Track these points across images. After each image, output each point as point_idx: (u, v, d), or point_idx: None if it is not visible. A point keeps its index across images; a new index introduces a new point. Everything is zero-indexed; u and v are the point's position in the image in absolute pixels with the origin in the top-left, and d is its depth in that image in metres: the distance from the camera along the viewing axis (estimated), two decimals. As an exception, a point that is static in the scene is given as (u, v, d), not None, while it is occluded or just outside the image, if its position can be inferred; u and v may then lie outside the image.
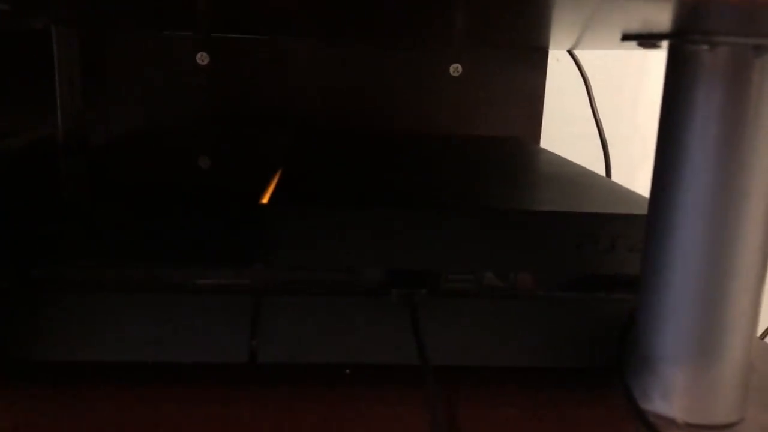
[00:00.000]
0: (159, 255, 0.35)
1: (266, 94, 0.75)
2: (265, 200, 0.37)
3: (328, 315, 0.34)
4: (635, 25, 0.30)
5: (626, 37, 0.32)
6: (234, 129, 0.73)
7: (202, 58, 0.73)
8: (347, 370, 0.35)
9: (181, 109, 0.73)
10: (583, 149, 0.90)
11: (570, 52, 0.80)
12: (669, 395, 0.31)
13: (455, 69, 0.77)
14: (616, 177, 0.83)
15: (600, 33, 0.38)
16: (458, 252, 0.35)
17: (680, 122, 0.30)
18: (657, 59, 0.95)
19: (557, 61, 0.88)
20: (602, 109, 0.84)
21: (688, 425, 0.31)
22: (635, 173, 0.94)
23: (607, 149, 0.78)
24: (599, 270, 0.36)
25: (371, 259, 0.35)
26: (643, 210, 0.36)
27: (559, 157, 0.58)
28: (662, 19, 0.26)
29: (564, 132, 0.90)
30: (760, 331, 0.99)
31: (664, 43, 0.31)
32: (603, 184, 0.45)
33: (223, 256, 0.35)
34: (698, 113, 0.29)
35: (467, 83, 0.77)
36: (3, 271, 0.34)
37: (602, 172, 0.82)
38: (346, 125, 0.76)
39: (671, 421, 0.31)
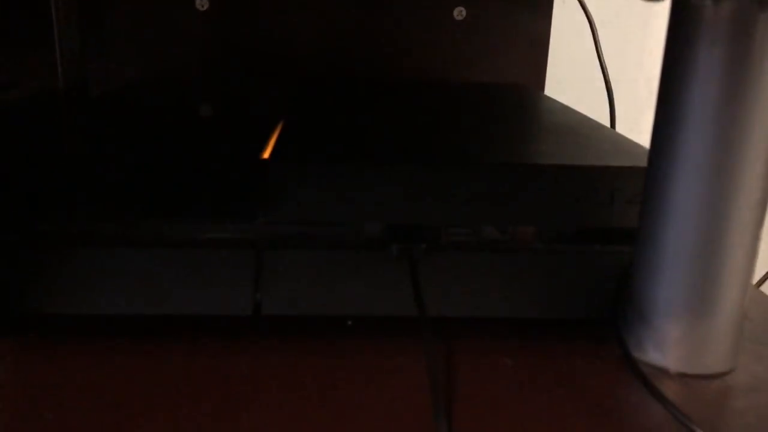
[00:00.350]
0: (163, 209, 0.35)
1: (267, 40, 0.74)
2: (266, 155, 0.38)
3: (329, 268, 0.35)
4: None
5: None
6: (235, 76, 0.73)
7: (202, 4, 0.72)
8: (349, 322, 0.35)
9: (181, 56, 0.73)
10: (588, 93, 0.89)
11: (576, -6, 0.78)
12: (662, 346, 0.32)
13: (459, 12, 0.75)
14: (621, 122, 0.82)
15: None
16: (457, 206, 0.35)
17: (681, 77, 0.29)
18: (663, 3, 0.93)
19: (563, 2, 0.87)
20: (608, 53, 0.82)
21: (681, 375, 0.32)
22: (640, 116, 0.93)
23: (612, 94, 0.77)
24: (597, 222, 0.36)
25: (372, 214, 0.35)
26: (641, 162, 0.37)
27: (563, 105, 0.57)
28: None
29: (569, 76, 0.89)
30: (755, 280, 1.00)
31: (668, -4, 0.30)
32: (605, 135, 0.44)
33: (227, 211, 0.35)
34: (700, 68, 0.29)
35: (471, 27, 0.76)
36: (9, 225, 0.35)
37: (606, 116, 0.81)
38: (348, 71, 0.76)
39: (664, 371, 0.32)
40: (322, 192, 0.34)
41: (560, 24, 0.87)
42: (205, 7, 0.72)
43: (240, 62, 0.74)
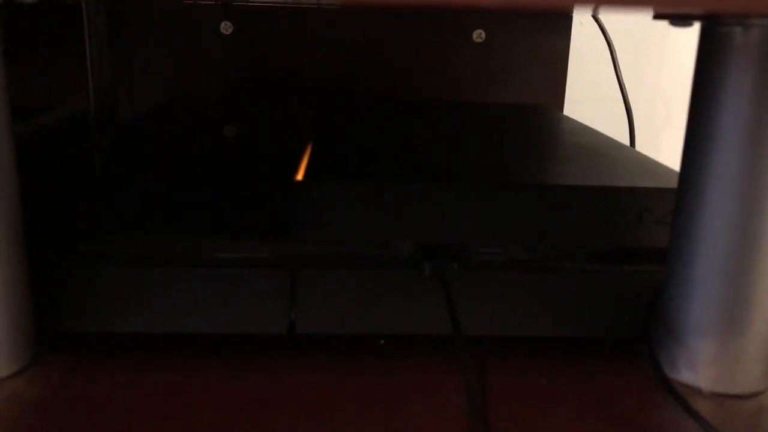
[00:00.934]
0: (199, 230, 0.36)
1: (290, 62, 0.75)
2: (299, 176, 0.38)
3: (362, 287, 0.35)
4: (668, 8, 0.31)
5: (658, 17, 0.32)
6: (260, 98, 0.74)
7: (226, 28, 0.74)
8: (381, 341, 0.36)
9: (207, 79, 0.74)
10: (607, 114, 0.90)
11: (594, 16, 0.79)
12: (695, 365, 0.32)
13: (478, 35, 0.77)
14: (639, 140, 0.83)
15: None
16: (488, 226, 0.36)
17: (712, 102, 0.30)
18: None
19: (581, 24, 0.88)
20: (626, 72, 0.83)
21: (714, 394, 0.32)
22: (658, 136, 0.94)
23: (631, 114, 0.78)
24: (627, 243, 0.37)
25: (404, 233, 0.36)
26: (668, 183, 0.37)
27: (585, 126, 0.58)
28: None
29: (588, 96, 0.90)
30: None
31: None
32: (629, 156, 0.45)
33: (263, 232, 0.36)
34: (730, 93, 0.29)
35: (490, 49, 0.77)
36: (50, 246, 0.36)
37: (626, 136, 0.82)
38: (370, 93, 0.77)
39: (697, 390, 0.32)
40: (354, 211, 0.35)
41: (579, 45, 0.88)
42: (229, 31, 0.74)
43: (264, 83, 0.75)
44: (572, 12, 0.75)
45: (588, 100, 0.89)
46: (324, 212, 0.35)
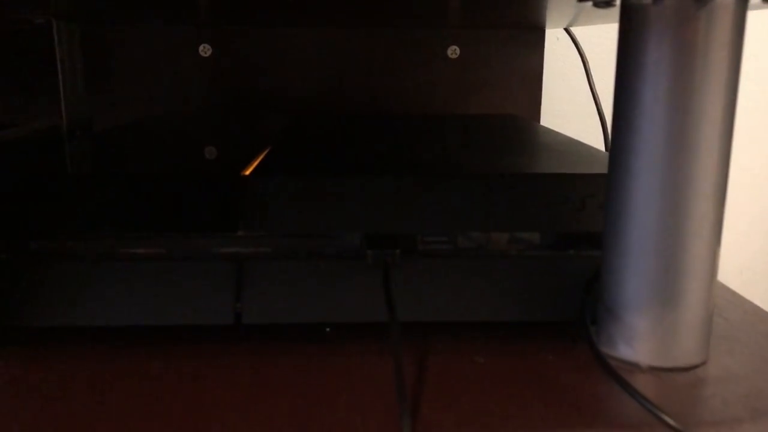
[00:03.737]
0: (148, 226, 0.37)
1: (267, 83, 0.77)
2: (247, 172, 0.39)
3: (307, 278, 0.36)
4: (588, -15, 0.32)
5: (581, -2, 0.33)
6: (234, 117, 0.75)
7: (205, 50, 0.75)
8: (327, 329, 0.36)
9: (185, 100, 0.76)
10: (583, 126, 0.91)
11: (567, 30, 0.80)
12: (632, 341, 0.32)
13: (453, 51, 0.78)
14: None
15: (568, 2, 0.39)
16: (431, 215, 0.36)
17: (632, 76, 0.31)
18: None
19: (557, 40, 0.89)
20: (600, 85, 0.84)
21: (652, 368, 0.32)
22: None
23: (606, 124, 0.78)
24: (570, 228, 0.37)
25: (348, 224, 0.36)
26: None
27: (549, 129, 0.59)
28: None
29: (563, 110, 0.90)
30: None
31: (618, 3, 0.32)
32: (582, 150, 0.46)
33: (209, 225, 0.37)
34: (648, 66, 0.30)
35: (465, 65, 0.78)
36: (4, 244, 0.37)
37: (602, 147, 0.82)
38: (345, 109, 0.78)
39: (635, 366, 0.32)
40: (298, 204, 0.36)
41: (555, 60, 0.89)
42: (208, 54, 0.75)
43: (241, 104, 0.77)
44: (545, 26, 0.76)
45: (565, 113, 0.90)
46: (270, 205, 0.36)
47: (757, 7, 0.31)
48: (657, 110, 0.30)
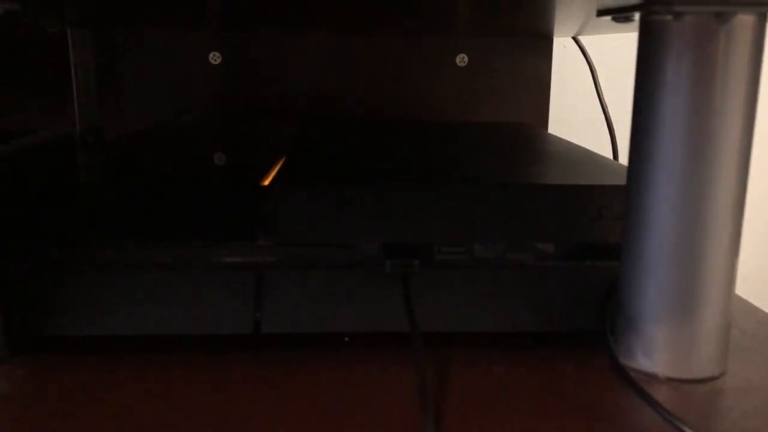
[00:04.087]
0: (169, 235, 0.37)
1: (278, 90, 0.77)
2: (266, 182, 0.40)
3: (326, 287, 0.36)
4: (608, 0, 0.32)
5: (601, 13, 0.33)
6: (246, 124, 0.76)
7: (215, 58, 0.76)
8: (346, 338, 0.36)
9: (196, 108, 0.76)
10: (592, 134, 0.91)
11: (575, 39, 0.81)
12: (651, 352, 0.32)
13: (461, 59, 0.78)
14: (623, 157, 0.83)
15: (577, 12, 0.40)
16: (449, 224, 0.36)
17: (652, 91, 0.31)
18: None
19: (564, 48, 0.89)
20: (608, 93, 0.84)
21: (670, 380, 0.32)
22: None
23: (614, 132, 0.79)
24: (587, 239, 0.37)
25: (367, 234, 0.37)
26: (628, 180, 0.38)
27: (559, 138, 0.59)
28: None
29: (572, 117, 0.91)
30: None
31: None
32: (594, 159, 0.46)
33: (229, 235, 0.37)
34: (668, 82, 0.30)
35: (473, 73, 0.79)
36: (24, 253, 0.37)
37: (610, 155, 0.82)
38: (356, 116, 0.78)
39: (654, 377, 0.32)
40: (318, 213, 0.36)
41: (563, 67, 0.90)
42: (217, 62, 0.76)
43: (252, 111, 0.77)
44: (553, 35, 0.77)
45: (573, 121, 0.90)
46: (289, 215, 0.36)
47: (776, 23, 0.31)
48: (676, 124, 0.31)
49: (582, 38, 0.81)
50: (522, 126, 0.70)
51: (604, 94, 0.79)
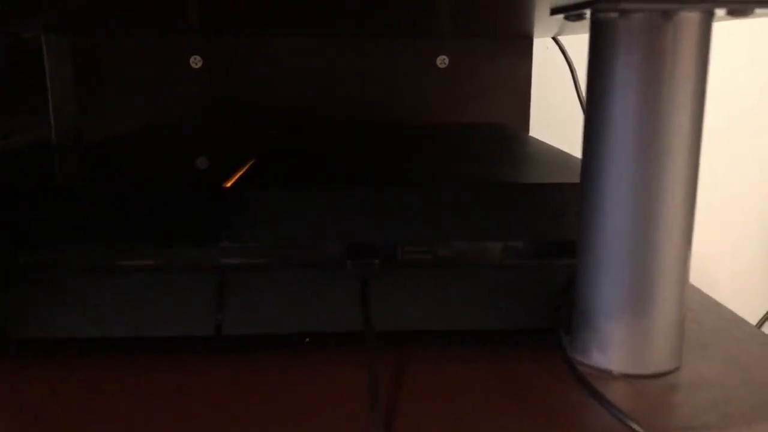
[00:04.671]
0: (132, 237, 0.37)
1: (258, 93, 0.77)
2: (228, 184, 0.40)
3: (288, 288, 0.36)
4: (559, -1, 0.32)
5: (554, 11, 0.34)
6: (225, 127, 0.76)
7: (195, 62, 0.76)
8: (307, 339, 0.37)
9: (177, 111, 0.76)
10: (573, 134, 0.91)
11: (555, 39, 0.81)
12: (605, 348, 0.33)
13: (442, 61, 0.78)
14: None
15: (535, 11, 0.40)
16: (409, 225, 0.36)
17: (602, 89, 0.31)
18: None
19: (547, 49, 0.90)
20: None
21: (624, 375, 0.32)
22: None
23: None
24: (548, 237, 0.37)
25: (329, 235, 0.37)
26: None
27: (535, 139, 0.59)
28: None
29: (553, 118, 0.91)
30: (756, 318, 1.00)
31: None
32: (563, 159, 0.46)
33: (190, 237, 0.37)
34: (617, 79, 0.31)
35: (454, 74, 0.79)
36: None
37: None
38: (337, 119, 0.78)
39: (608, 373, 0.32)
40: (278, 215, 0.36)
41: (544, 68, 0.90)
42: (198, 65, 0.76)
43: (232, 114, 0.77)
44: (533, 36, 0.77)
45: (553, 121, 0.91)
46: (250, 217, 0.36)
47: (721, 19, 0.31)
48: (626, 121, 0.31)
49: (564, 39, 0.82)
50: (499, 127, 0.70)
51: (584, 94, 0.80)
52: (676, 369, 0.33)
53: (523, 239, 0.38)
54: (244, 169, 0.44)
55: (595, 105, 0.32)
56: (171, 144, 0.59)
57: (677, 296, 0.32)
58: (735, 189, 0.98)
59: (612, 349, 0.32)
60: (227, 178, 0.42)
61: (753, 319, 1.04)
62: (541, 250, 0.38)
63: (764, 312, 1.02)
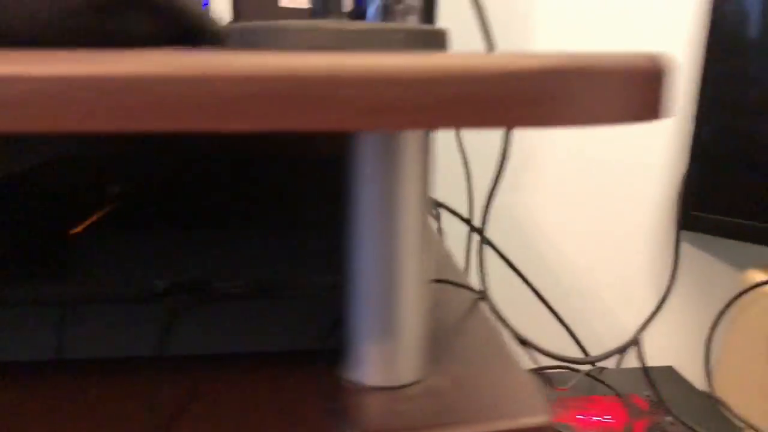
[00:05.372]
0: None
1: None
2: (77, 230, 0.47)
3: (117, 320, 0.44)
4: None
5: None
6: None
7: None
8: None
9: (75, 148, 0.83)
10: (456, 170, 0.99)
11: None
12: (360, 364, 0.40)
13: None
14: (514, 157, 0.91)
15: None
16: (210, 262, 0.44)
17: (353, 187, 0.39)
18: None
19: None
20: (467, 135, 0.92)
21: (373, 388, 0.40)
22: (531, 155, 1.03)
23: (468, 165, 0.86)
24: (320, 268, 0.45)
25: (157, 273, 0.44)
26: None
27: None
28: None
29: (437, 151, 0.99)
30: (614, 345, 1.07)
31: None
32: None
33: (38, 277, 0.44)
34: (362, 188, 0.38)
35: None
36: None
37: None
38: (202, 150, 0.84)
39: (363, 386, 0.40)
40: (110, 258, 0.43)
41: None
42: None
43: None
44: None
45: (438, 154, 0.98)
46: (92, 259, 0.44)
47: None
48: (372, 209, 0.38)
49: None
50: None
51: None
52: (416, 382, 0.40)
53: (296, 270, 0.45)
54: (98, 215, 0.51)
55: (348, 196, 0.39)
56: (42, 187, 0.66)
57: (417, 322, 0.39)
58: (620, 204, 1.06)
59: (365, 365, 0.40)
60: (79, 223, 0.49)
61: (636, 324, 1.13)
62: (316, 278, 0.45)
63: (646, 317, 1.11)
